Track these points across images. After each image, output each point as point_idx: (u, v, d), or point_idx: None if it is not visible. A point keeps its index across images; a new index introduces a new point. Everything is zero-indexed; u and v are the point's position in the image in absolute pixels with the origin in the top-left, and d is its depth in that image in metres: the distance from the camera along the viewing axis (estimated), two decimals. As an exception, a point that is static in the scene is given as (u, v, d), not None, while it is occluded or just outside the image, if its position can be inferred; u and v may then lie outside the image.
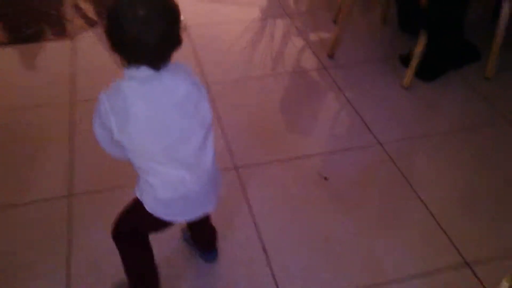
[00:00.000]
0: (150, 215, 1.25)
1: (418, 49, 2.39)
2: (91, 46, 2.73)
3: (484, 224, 1.79)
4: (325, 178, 1.97)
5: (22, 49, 2.74)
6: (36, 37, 2.84)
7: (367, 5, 3.18)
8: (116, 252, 1.38)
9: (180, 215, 1.31)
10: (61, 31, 2.88)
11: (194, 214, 1.33)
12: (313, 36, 2.90)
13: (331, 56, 2.67)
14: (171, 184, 1.23)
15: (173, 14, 1.10)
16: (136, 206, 1.28)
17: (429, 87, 2.46)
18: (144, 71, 1.09)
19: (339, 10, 2.88)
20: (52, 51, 2.72)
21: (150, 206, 1.25)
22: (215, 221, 1.59)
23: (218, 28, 2.95)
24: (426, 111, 2.33)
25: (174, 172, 1.21)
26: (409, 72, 2.43)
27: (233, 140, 2.13)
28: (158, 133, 1.14)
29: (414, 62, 2.41)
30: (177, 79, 1.15)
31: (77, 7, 3.16)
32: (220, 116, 2.25)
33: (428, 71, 2.48)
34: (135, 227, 1.36)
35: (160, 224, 1.30)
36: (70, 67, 2.55)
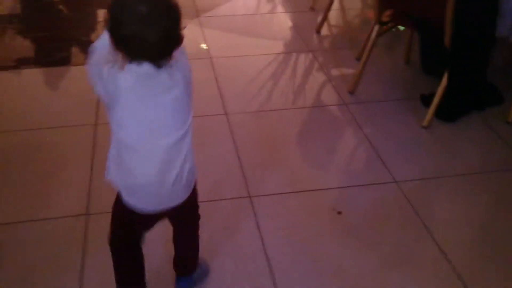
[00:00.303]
0: (122, 204, 1.30)
1: (440, 89, 2.40)
2: (118, 71, 2.83)
3: (500, 267, 1.75)
4: (339, 213, 1.96)
5: (52, 72, 2.86)
6: (66, 61, 2.96)
7: (390, 44, 3.22)
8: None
9: (142, 204, 1.29)
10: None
11: (155, 206, 1.30)
12: (334, 72, 2.94)
13: (352, 92, 2.70)
14: (137, 170, 1.24)
15: (175, 12, 1.12)
16: (116, 199, 1.33)
17: (449, 128, 2.46)
18: (144, 67, 1.12)
19: (363, 48, 2.92)
20: (80, 75, 2.81)
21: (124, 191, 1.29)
22: (225, 249, 1.60)
23: (241, 60, 3.02)
24: (445, 152, 2.32)
25: (141, 160, 1.22)
26: (430, 112, 2.44)
27: (249, 170, 2.16)
28: (140, 124, 1.19)
29: (435, 102, 2.42)
30: (173, 80, 1.17)
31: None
32: (238, 146, 2.29)
33: (449, 112, 2.48)
34: (122, 226, 1.39)
35: (132, 214, 1.30)
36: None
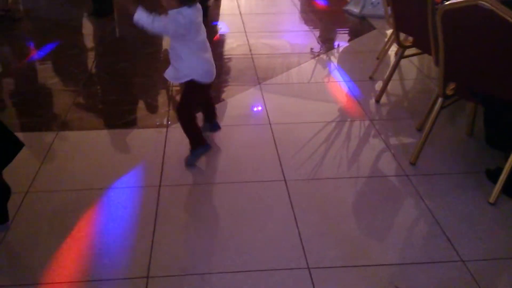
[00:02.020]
0: (198, 84, 2.51)
1: (508, 165, 2.32)
2: (182, 136, 2.94)
3: None
4: (401, 291, 1.89)
5: (120, 134, 3.00)
6: (133, 124, 3.11)
7: (453, 115, 3.18)
8: None
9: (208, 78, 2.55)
10: (157, 120, 3.14)
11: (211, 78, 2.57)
12: (394, 141, 2.92)
13: (413, 163, 2.66)
14: (206, 60, 2.54)
15: None
16: (188, 88, 2.56)
17: (518, 205, 2.36)
18: (196, 6, 2.39)
19: (424, 119, 2.90)
20: (146, 137, 2.95)
21: (200, 75, 2.50)
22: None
23: (300, 127, 3.06)
24: (514, 230, 2.22)
25: (206, 54, 2.53)
26: (497, 188, 2.35)
27: (307, 240, 2.13)
28: (203, 32, 2.50)
29: (502, 178, 2.34)
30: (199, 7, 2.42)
31: (172, 99, 3.45)
32: (296, 214, 2.28)
33: (517, 189, 2.39)
34: (191, 102, 2.61)
35: (203, 88, 2.57)
36: (162, 153, 2.74)
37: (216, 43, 4.56)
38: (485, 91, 2.41)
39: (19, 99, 3.45)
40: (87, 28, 5.05)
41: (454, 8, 2.25)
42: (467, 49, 2.33)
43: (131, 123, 3.12)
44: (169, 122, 3.08)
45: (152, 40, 4.69)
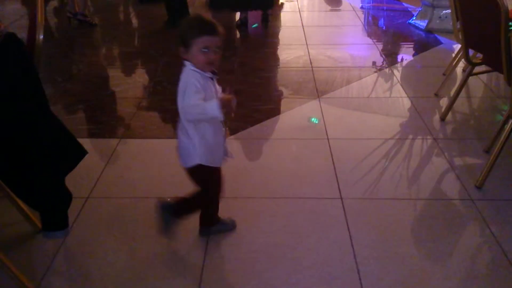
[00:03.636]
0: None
1: None
2: (238, 148, 2.96)
3: None
4: (462, 324, 1.78)
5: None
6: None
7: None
8: None
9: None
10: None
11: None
12: (459, 162, 2.79)
13: (479, 187, 2.52)
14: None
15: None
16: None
17: None
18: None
19: (493, 140, 2.75)
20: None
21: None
22: None
23: (359, 143, 2.98)
24: None
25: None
26: None
27: (362, 262, 2.07)
28: None
29: None
30: None
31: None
32: (351, 235, 2.22)
33: None
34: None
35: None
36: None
37: (276, 55, 4.57)
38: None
39: (87, 105, 3.60)
40: (157, 37, 5.21)
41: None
42: (543, 69, 2.19)
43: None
44: (226, 133, 3.10)
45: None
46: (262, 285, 1.97)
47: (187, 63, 1.82)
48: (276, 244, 2.19)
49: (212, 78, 1.86)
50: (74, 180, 2.20)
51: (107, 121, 3.35)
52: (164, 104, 3.60)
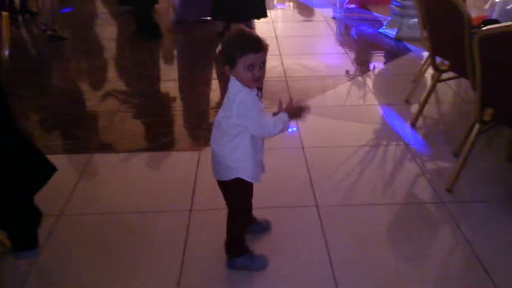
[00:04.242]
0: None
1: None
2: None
3: None
4: (436, 325, 1.82)
5: (155, 156, 3.06)
6: (169, 146, 3.16)
7: (491, 141, 3.08)
8: None
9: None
10: (191, 143, 3.18)
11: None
12: (430, 166, 2.86)
13: (449, 190, 2.58)
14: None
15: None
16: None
17: (562, 236, 2.25)
18: None
19: (461, 144, 2.83)
20: (181, 160, 2.99)
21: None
22: None
23: (333, 151, 3.03)
24: (558, 263, 2.11)
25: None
26: (538, 218, 2.26)
27: (338, 268, 2.09)
28: None
29: (543, 207, 2.24)
30: None
31: (212, 123, 3.49)
32: (327, 242, 2.25)
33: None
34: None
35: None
36: (194, 176, 2.76)
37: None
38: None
39: (59, 120, 3.56)
40: (129, 48, 5.19)
41: (492, 34, 2.21)
42: (505, 75, 2.27)
43: (165, 146, 3.17)
44: (202, 145, 3.11)
45: (189, 64, 4.80)
46: (240, 295, 1.97)
47: (232, 77, 1.80)
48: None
49: (257, 95, 1.84)
50: (45, 197, 2.17)
51: (80, 136, 3.32)
52: (138, 117, 3.59)
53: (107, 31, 5.93)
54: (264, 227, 2.31)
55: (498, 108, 2.43)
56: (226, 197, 2.02)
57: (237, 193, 1.95)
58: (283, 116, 1.83)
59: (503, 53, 2.22)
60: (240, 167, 1.86)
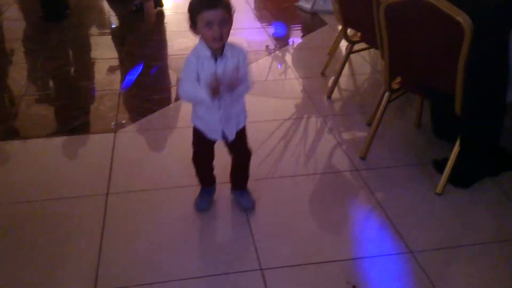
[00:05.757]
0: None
1: (453, 155, 2.37)
2: (131, 140, 2.88)
3: None
4: (353, 287, 1.90)
5: (68, 140, 2.91)
6: (81, 129, 3.02)
7: (401, 109, 3.23)
8: None
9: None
10: (104, 125, 3.05)
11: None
12: (346, 137, 2.95)
13: (363, 158, 2.69)
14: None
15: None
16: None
17: (463, 195, 2.41)
18: None
19: (373, 113, 2.94)
20: (95, 143, 2.87)
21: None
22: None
23: (252, 126, 3.02)
24: (460, 219, 2.27)
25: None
26: (443, 178, 2.40)
27: (260, 241, 2.12)
28: None
29: (448, 169, 2.39)
30: None
31: (126, 103, 3.36)
32: (248, 217, 2.27)
33: (463, 178, 2.45)
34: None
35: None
36: (109, 160, 2.67)
37: (162, 43, 4.51)
38: (428, 85, 2.46)
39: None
40: (34, 30, 4.88)
41: (396, 2, 2.28)
42: (409, 43, 2.37)
43: (78, 129, 3.02)
44: (117, 127, 3.01)
45: (99, 43, 4.59)
46: (162, 276, 1.95)
47: (200, 39, 1.86)
48: (173, 233, 2.18)
49: (214, 57, 1.87)
50: None
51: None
52: (45, 101, 3.40)
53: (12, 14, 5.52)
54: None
55: (405, 76, 2.55)
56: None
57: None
58: (201, 91, 1.85)
59: (406, 21, 2.31)
60: (193, 116, 2.10)
